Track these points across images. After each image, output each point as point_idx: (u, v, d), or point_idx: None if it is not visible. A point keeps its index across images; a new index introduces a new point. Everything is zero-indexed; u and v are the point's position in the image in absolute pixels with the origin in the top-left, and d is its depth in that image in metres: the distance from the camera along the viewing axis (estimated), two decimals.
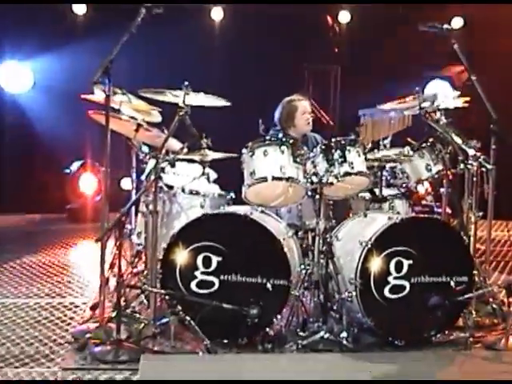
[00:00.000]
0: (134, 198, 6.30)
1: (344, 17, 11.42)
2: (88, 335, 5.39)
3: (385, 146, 6.34)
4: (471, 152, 5.94)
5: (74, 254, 8.57)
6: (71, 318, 6.11)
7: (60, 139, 10.04)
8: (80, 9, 10.71)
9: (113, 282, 5.93)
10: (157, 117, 6.44)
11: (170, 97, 5.89)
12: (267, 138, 5.83)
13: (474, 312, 5.79)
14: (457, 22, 11.30)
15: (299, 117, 7.12)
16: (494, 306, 5.94)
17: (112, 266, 6.15)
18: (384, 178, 6.45)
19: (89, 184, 10.62)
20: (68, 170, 10.63)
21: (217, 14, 11.01)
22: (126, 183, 6.67)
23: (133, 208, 6.35)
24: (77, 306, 6.46)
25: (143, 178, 6.31)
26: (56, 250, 8.81)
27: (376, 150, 6.31)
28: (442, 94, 7.06)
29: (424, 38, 6.16)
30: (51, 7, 10.54)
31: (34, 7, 10.23)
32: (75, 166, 10.67)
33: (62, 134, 9.97)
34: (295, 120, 7.11)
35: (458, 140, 6.01)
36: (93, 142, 10.72)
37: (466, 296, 5.55)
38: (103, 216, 5.55)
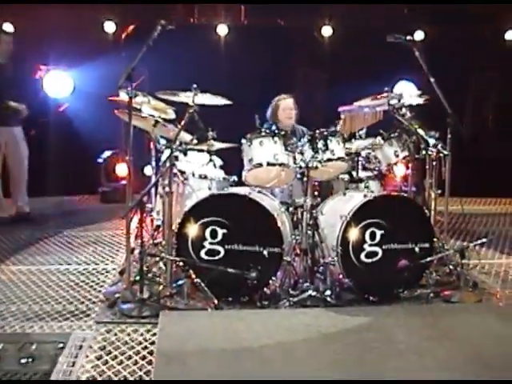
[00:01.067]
0: (152, 181, 6.21)
1: (327, 31, 11.29)
2: (117, 295, 5.34)
3: (360, 136, 6.20)
4: (431, 141, 5.89)
5: (105, 228, 8.40)
6: (103, 282, 6.01)
7: (94, 134, 9.92)
8: (110, 28, 10.61)
9: (137, 252, 5.78)
10: (171, 114, 6.26)
11: (181, 97, 5.79)
12: (262, 130, 5.73)
13: (434, 272, 5.70)
14: (418, 35, 11.27)
15: (281, 113, 7.08)
16: (451, 267, 5.85)
17: (136, 238, 6.07)
18: (360, 162, 6.32)
19: (122, 170, 10.53)
20: (100, 159, 10.53)
21: (222, 30, 10.89)
22: (148, 170, 6.56)
23: (153, 190, 6.27)
24: (108, 272, 6.34)
25: (160, 164, 6.24)
26: (90, 225, 8.67)
27: (353, 140, 6.19)
28: (407, 93, 6.98)
29: (394, 47, 6.07)
30: (87, 25, 10.48)
31: (74, 26, 10.17)
32: (106, 155, 10.55)
33: (96, 129, 9.87)
34: (278, 115, 7.08)
35: (421, 131, 5.94)
36: (121, 136, 10.75)
37: (428, 259, 5.48)
38: (128, 197, 5.45)
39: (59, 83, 9.77)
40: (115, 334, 4.72)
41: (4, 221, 8.41)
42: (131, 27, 10.57)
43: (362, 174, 6.32)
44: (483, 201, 10.73)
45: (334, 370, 3.92)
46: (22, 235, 7.88)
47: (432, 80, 5.84)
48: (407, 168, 6.29)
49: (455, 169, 6.03)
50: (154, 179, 6.23)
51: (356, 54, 10.51)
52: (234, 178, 6.13)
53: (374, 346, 4.29)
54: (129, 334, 4.72)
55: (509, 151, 10.97)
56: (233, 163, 6.19)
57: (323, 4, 10.35)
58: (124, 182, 10.26)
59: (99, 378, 4.01)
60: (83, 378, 4.01)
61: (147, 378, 3.98)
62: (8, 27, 9.71)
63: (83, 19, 10.35)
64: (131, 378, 4.00)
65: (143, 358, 4.30)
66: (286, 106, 7.09)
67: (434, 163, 6.01)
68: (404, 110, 6.10)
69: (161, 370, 3.89)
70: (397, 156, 6.18)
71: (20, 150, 8.52)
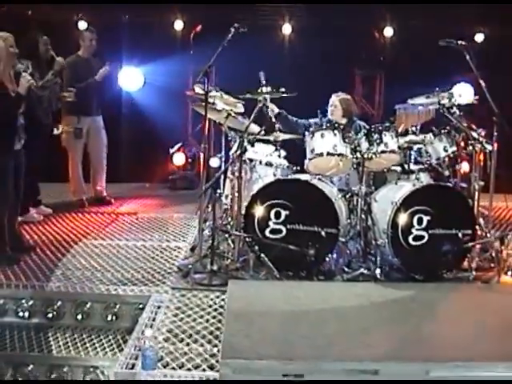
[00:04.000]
0: (223, 168, 6.71)
1: (388, 32, 11.68)
2: (190, 266, 5.91)
3: (413, 132, 6.58)
4: (477, 137, 6.39)
5: (175, 212, 8.97)
6: (176, 256, 6.59)
7: (165, 125, 10.56)
8: (179, 26, 11.19)
9: (206, 233, 6.36)
10: (240, 108, 6.75)
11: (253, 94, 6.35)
12: (323, 124, 6.26)
13: (476, 257, 6.10)
14: (478, 37, 11.66)
15: (329, 108, 7.52)
16: (492, 252, 6.21)
17: (206, 221, 6.51)
18: (412, 156, 6.68)
19: (178, 159, 11.14)
20: (171, 150, 11.10)
21: (287, 29, 11.39)
22: (214, 162, 7.14)
23: (221, 177, 6.72)
24: (179, 248, 6.91)
25: (231, 153, 6.67)
26: (163, 207, 9.36)
27: (406, 135, 6.54)
28: (464, 94, 7.45)
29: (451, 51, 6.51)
30: (158, 23, 11.03)
31: (145, 24, 10.79)
32: (176, 147, 11.13)
33: (167, 121, 10.51)
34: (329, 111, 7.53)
35: (468, 128, 6.42)
36: (189, 129, 11.41)
37: (470, 244, 5.88)
38: (202, 180, 6.01)
39: (131, 78, 10.44)
40: (188, 299, 5.35)
41: (84, 203, 9.09)
42: (199, 27, 11.04)
43: (414, 167, 6.63)
44: None
45: (379, 331, 4.52)
46: (100, 215, 8.58)
47: (481, 82, 6.35)
48: (456, 162, 6.61)
49: (503, 166, 6.49)
50: (223, 167, 6.81)
51: (416, 54, 10.88)
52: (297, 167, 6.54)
53: (416, 314, 4.87)
54: (200, 299, 5.35)
55: None
56: (295, 154, 6.64)
57: (385, 4, 10.49)
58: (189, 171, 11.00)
59: (176, 331, 4.68)
60: (163, 330, 4.65)
61: (218, 333, 4.63)
62: (82, 25, 10.28)
63: (154, 18, 10.91)
64: (204, 332, 4.66)
65: (214, 317, 4.95)
66: (331, 103, 7.52)
67: (481, 158, 6.39)
68: (454, 108, 6.50)
69: (230, 325, 4.48)
70: (446, 151, 6.51)
71: (100, 139, 9.17)
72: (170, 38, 11.17)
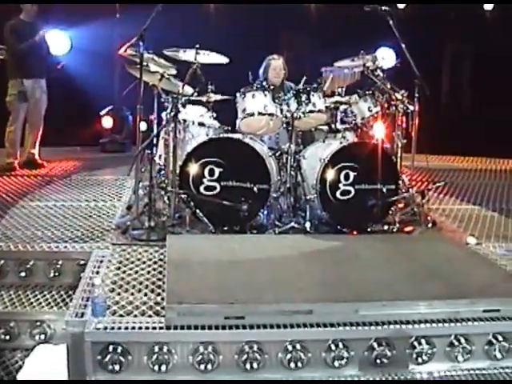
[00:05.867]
0: (158, 128, 6.89)
1: None
2: (128, 223, 6.13)
3: (339, 93, 6.91)
4: (399, 98, 6.71)
5: (108, 173, 9.18)
6: (113, 215, 6.77)
7: (94, 89, 10.65)
8: None
9: (141, 191, 6.51)
10: (173, 70, 6.90)
11: (185, 55, 6.58)
12: (254, 85, 6.45)
13: (399, 211, 6.43)
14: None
15: (271, 71, 7.70)
16: (414, 207, 6.62)
17: (140, 179, 6.52)
18: (338, 116, 6.95)
19: (106, 122, 11.35)
20: (101, 113, 11.26)
21: None
22: (142, 125, 7.26)
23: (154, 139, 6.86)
24: (115, 207, 7.11)
25: (163, 115, 6.87)
26: (95, 170, 9.52)
27: (333, 96, 6.90)
28: (386, 57, 7.77)
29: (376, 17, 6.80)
30: None
31: None
32: (106, 109, 11.28)
33: (96, 84, 10.60)
34: (268, 73, 7.70)
35: (391, 90, 6.74)
36: (118, 92, 11.44)
37: (393, 198, 6.23)
38: (138, 142, 6.25)
39: (58, 42, 10.43)
40: (129, 253, 5.55)
41: (14, 166, 9.20)
42: None
43: (340, 126, 6.94)
44: (447, 158, 11.75)
45: (310, 277, 4.85)
46: (34, 178, 8.69)
47: (403, 46, 6.66)
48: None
49: (424, 127, 6.88)
50: (155, 128, 6.97)
51: (341, 20, 11.19)
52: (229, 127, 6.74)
53: (344, 262, 5.23)
54: (140, 253, 5.56)
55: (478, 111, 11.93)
56: (227, 116, 6.84)
57: None
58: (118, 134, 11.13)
59: (120, 283, 4.90)
60: (107, 282, 4.84)
61: (160, 283, 4.86)
62: None
63: None
64: (147, 283, 4.88)
65: (154, 269, 5.17)
66: (275, 66, 7.72)
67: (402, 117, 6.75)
68: (378, 71, 6.84)
69: (172, 274, 4.74)
70: (370, 111, 6.86)
71: (42, 102, 9.28)
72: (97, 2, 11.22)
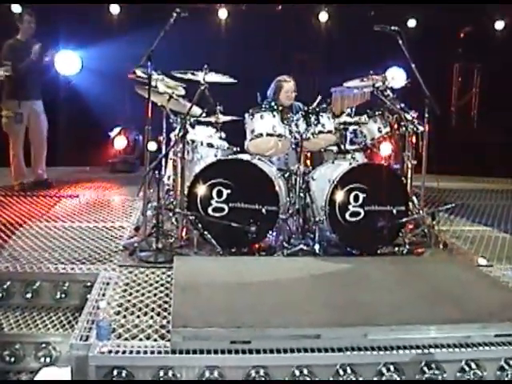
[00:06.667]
0: (165, 150, 6.90)
1: (323, 17, 11.99)
2: (135, 245, 6.06)
3: (349, 113, 6.86)
4: (409, 118, 6.66)
5: (116, 194, 9.19)
6: (121, 236, 6.73)
7: (103, 108, 10.67)
8: (115, 9, 11.31)
9: (149, 213, 6.46)
10: (181, 91, 6.97)
11: (194, 76, 6.50)
12: (263, 106, 6.41)
13: (409, 233, 6.42)
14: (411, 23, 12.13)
15: (283, 94, 7.75)
16: (424, 228, 6.56)
17: (149, 200, 6.57)
18: (348, 137, 6.95)
19: (119, 142, 11.35)
20: (110, 134, 11.27)
21: (222, 13, 11.62)
22: (152, 146, 7.24)
23: (163, 159, 6.92)
24: (124, 228, 7.08)
25: (172, 135, 6.91)
26: (104, 190, 9.49)
27: (342, 117, 6.85)
28: (396, 77, 7.73)
29: (385, 37, 6.78)
30: (95, 8, 11.18)
31: (82, 9, 10.86)
32: (115, 131, 11.31)
33: (105, 104, 10.62)
34: (280, 95, 7.74)
35: (401, 110, 6.69)
36: (128, 111, 11.49)
37: (403, 219, 6.17)
38: (146, 162, 6.22)
39: (69, 62, 10.46)
40: (136, 275, 5.51)
41: (25, 186, 9.19)
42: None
43: (350, 147, 6.93)
44: (458, 178, 11.58)
45: (318, 300, 4.78)
46: (42, 198, 8.66)
47: (413, 66, 6.64)
48: (391, 144, 6.94)
49: (434, 147, 6.84)
50: (164, 149, 6.98)
51: (351, 40, 11.20)
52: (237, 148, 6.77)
53: (353, 284, 5.18)
54: (147, 275, 5.52)
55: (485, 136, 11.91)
56: (236, 136, 6.87)
57: None
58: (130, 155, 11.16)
59: (126, 305, 4.86)
60: (113, 304, 4.81)
61: (166, 306, 4.81)
62: (16, 8, 10.09)
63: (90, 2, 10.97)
64: (153, 306, 4.84)
65: (161, 291, 5.12)
66: (288, 89, 7.75)
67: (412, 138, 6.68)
68: (388, 91, 6.81)
69: (178, 297, 4.69)
70: (380, 132, 6.85)
71: (41, 122, 9.26)
72: (107, 23, 11.28)
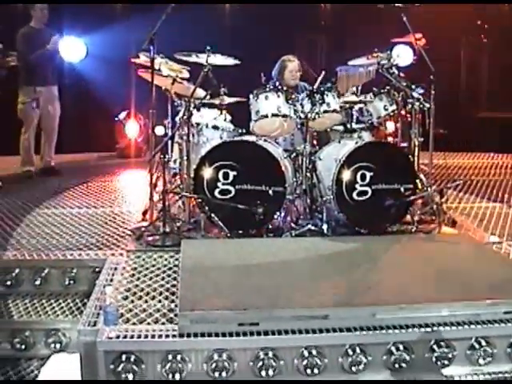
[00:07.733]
0: (170, 133, 6.77)
1: None
2: (142, 229, 6.09)
3: (354, 92, 6.87)
4: (416, 96, 6.64)
5: (123, 179, 9.22)
6: (128, 220, 6.76)
7: (109, 94, 10.64)
8: None
9: (156, 197, 6.41)
10: (186, 74, 6.92)
11: (196, 58, 6.44)
12: (267, 86, 6.35)
13: (417, 211, 6.38)
14: None
15: (287, 73, 7.65)
16: (432, 206, 6.43)
17: (156, 184, 6.60)
18: (353, 115, 6.88)
19: (132, 128, 11.31)
20: (117, 118, 11.18)
21: None
22: (159, 130, 7.19)
23: (169, 144, 6.81)
24: (131, 213, 7.10)
25: (177, 119, 6.80)
26: (111, 176, 9.49)
27: (348, 95, 6.84)
28: (396, 54, 7.65)
29: (389, 14, 6.73)
30: None
31: None
32: (122, 114, 11.20)
33: (111, 90, 10.59)
34: (284, 75, 7.65)
35: (407, 87, 6.65)
36: (135, 96, 11.40)
37: (411, 197, 6.11)
38: (151, 146, 6.26)
39: (73, 49, 10.41)
40: (143, 260, 5.51)
41: (32, 174, 9.21)
42: None
43: (356, 126, 6.87)
44: (466, 155, 11.46)
45: (326, 280, 4.75)
46: (51, 185, 8.69)
47: (418, 42, 6.63)
48: (397, 120, 6.92)
49: (441, 125, 6.77)
50: (170, 133, 6.87)
51: (357, 18, 11.12)
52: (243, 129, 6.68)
53: (361, 264, 5.14)
54: (155, 259, 5.52)
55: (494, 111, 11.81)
56: (240, 118, 6.82)
57: None
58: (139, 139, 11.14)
59: (134, 290, 4.85)
60: (121, 289, 4.81)
61: (174, 289, 4.81)
62: None
63: None
64: (161, 289, 4.83)
65: (169, 275, 5.13)
66: (292, 68, 7.67)
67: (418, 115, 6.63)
68: (393, 69, 6.73)
69: (185, 281, 4.68)
70: (386, 110, 6.78)
71: (54, 109, 9.26)
72: (110, 8, 11.22)
